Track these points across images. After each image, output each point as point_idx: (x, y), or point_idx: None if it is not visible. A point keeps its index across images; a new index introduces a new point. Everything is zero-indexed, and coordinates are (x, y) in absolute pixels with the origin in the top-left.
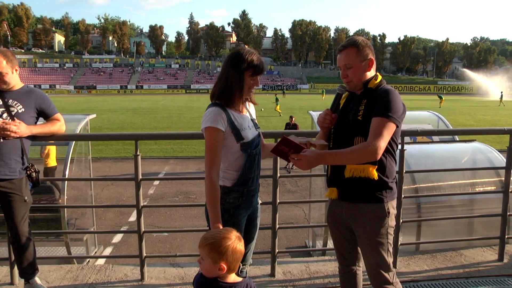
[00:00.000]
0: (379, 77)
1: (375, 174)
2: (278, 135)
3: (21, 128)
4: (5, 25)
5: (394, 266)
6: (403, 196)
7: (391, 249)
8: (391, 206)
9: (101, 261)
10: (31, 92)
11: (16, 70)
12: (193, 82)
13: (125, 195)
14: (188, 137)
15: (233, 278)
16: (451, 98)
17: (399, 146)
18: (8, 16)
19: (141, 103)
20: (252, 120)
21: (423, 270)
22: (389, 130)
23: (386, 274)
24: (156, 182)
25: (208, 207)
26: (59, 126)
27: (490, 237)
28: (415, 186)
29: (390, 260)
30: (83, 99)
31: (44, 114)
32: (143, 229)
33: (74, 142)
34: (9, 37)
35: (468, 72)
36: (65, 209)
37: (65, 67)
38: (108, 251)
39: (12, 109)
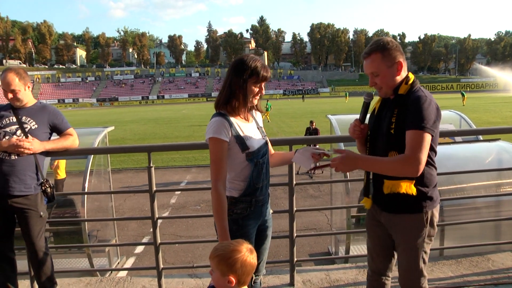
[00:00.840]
0: (411, 79)
1: (413, 190)
2: (292, 142)
3: (34, 145)
4: (30, 42)
5: None
6: None
7: (426, 257)
8: (432, 214)
9: (123, 273)
10: (44, 108)
11: (28, 87)
12: (214, 90)
13: (147, 205)
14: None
15: None
16: (475, 96)
17: None
18: (33, 34)
19: (163, 113)
20: (259, 128)
21: (447, 277)
22: (426, 142)
23: (417, 280)
24: (178, 191)
25: (216, 220)
26: (72, 140)
27: None
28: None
29: (423, 266)
30: (106, 111)
31: (57, 130)
32: (159, 241)
33: (92, 154)
34: (33, 54)
35: (486, 69)
36: (86, 222)
37: (87, 81)
38: (131, 261)
39: (25, 125)
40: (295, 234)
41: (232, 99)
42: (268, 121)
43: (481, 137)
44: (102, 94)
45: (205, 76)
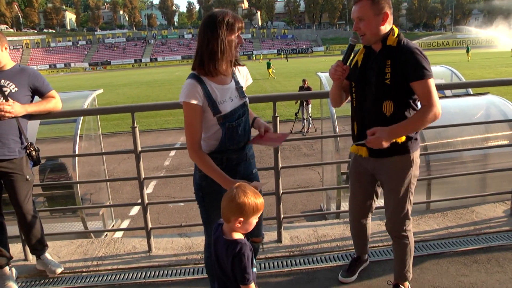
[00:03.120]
0: (396, 31)
1: (403, 137)
2: (276, 98)
3: (15, 108)
4: (15, 6)
5: None
6: None
7: (412, 198)
8: (416, 156)
9: (119, 234)
10: (23, 70)
11: (5, 48)
12: None
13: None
14: None
15: (237, 236)
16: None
17: None
18: None
19: (156, 75)
20: (238, 89)
21: (433, 229)
22: (433, 86)
23: (404, 222)
24: (172, 153)
25: (211, 175)
26: (55, 103)
27: (502, 192)
28: (424, 144)
29: (409, 208)
30: (99, 76)
31: (39, 92)
32: (146, 201)
33: (82, 118)
34: (20, 19)
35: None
36: (78, 185)
37: (78, 45)
38: (125, 224)
39: (5, 89)
40: (281, 191)
41: (210, 57)
42: (275, 78)
43: (471, 92)
44: (94, 58)
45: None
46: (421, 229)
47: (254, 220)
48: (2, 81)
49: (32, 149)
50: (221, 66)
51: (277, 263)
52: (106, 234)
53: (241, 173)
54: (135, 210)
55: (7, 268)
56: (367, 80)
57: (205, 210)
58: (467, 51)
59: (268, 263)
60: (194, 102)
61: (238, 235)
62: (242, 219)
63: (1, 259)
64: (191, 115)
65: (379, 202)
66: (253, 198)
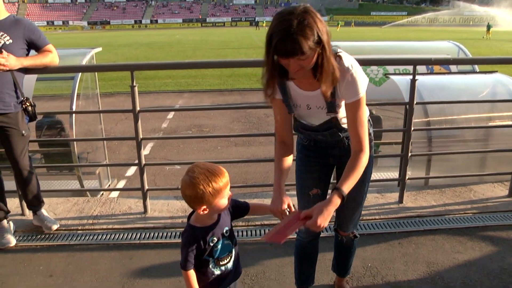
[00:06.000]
0: None
1: None
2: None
3: (10, 61)
4: None
5: (401, 201)
6: (412, 128)
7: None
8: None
9: (115, 194)
10: (18, 22)
11: None
12: (208, 15)
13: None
14: (185, 66)
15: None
16: (478, 30)
17: (411, 76)
18: None
19: (156, 37)
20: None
21: (430, 206)
22: None
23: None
24: (170, 116)
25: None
26: (52, 57)
27: (501, 173)
28: (427, 119)
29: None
30: (97, 35)
31: (35, 46)
32: (143, 162)
33: (79, 76)
34: None
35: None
36: (75, 143)
37: (77, 3)
38: (121, 184)
39: None
40: None
41: None
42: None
43: (477, 69)
44: (93, 17)
45: (200, 0)
46: (418, 204)
47: (221, 201)
48: None
49: (28, 104)
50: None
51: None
52: (102, 194)
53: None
54: (131, 170)
55: (5, 221)
56: None
57: None
58: (488, 29)
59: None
60: None
61: (196, 221)
62: (205, 206)
63: None
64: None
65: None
66: (207, 183)
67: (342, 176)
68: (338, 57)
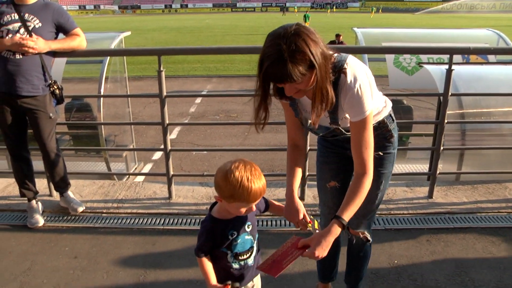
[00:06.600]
0: None
1: None
2: None
3: (39, 44)
4: None
5: (431, 196)
6: (446, 121)
7: None
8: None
9: (140, 178)
10: (47, 5)
11: None
12: (239, 0)
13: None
14: (212, 51)
15: (216, 211)
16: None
17: (446, 66)
18: None
19: (186, 22)
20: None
21: (461, 202)
22: None
23: None
24: (198, 100)
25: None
26: (79, 41)
27: None
28: (462, 111)
29: None
30: (128, 19)
31: (63, 29)
32: (169, 147)
33: (108, 60)
34: None
35: None
36: (102, 126)
37: None
38: (148, 167)
39: (28, 24)
40: (308, 148)
41: None
42: None
43: None
44: (124, 1)
45: None
46: (448, 200)
47: (241, 208)
48: (26, 15)
49: (55, 87)
50: None
51: None
52: (128, 177)
53: None
54: (158, 154)
55: (34, 201)
56: None
57: None
58: None
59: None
60: None
61: (218, 212)
62: (224, 200)
63: (28, 193)
64: None
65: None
66: (242, 185)
67: (343, 202)
68: (342, 74)
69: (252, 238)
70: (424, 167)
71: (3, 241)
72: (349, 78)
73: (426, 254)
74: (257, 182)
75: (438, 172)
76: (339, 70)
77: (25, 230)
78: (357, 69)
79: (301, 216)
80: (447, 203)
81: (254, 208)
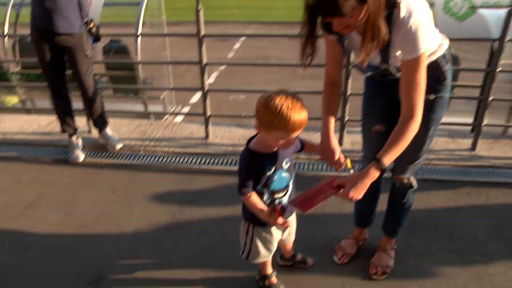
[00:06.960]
0: None
1: None
2: None
3: None
4: None
5: (474, 149)
6: (498, 69)
7: None
8: None
9: (178, 119)
10: None
11: None
12: None
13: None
14: None
15: (254, 144)
16: None
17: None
18: None
19: None
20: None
21: (506, 157)
22: None
23: None
24: (236, 46)
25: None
26: None
27: None
28: None
29: None
30: None
31: None
32: (206, 88)
33: (145, 3)
34: None
35: None
36: (140, 67)
37: None
38: (185, 110)
39: None
40: (348, 92)
41: None
42: None
43: None
44: None
45: None
46: (492, 154)
47: (278, 140)
48: None
49: (92, 25)
50: None
51: None
52: (166, 118)
53: None
54: (196, 97)
55: (74, 137)
56: None
57: None
58: None
59: None
60: None
61: (256, 143)
62: (262, 129)
63: (69, 129)
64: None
65: None
66: (282, 113)
67: (385, 145)
68: (396, 8)
69: (289, 176)
70: (466, 120)
71: (48, 174)
72: (403, 12)
73: (465, 207)
74: (298, 113)
75: (483, 123)
76: (392, 4)
77: (67, 164)
78: (412, 3)
79: (337, 157)
80: (490, 157)
81: (293, 141)
